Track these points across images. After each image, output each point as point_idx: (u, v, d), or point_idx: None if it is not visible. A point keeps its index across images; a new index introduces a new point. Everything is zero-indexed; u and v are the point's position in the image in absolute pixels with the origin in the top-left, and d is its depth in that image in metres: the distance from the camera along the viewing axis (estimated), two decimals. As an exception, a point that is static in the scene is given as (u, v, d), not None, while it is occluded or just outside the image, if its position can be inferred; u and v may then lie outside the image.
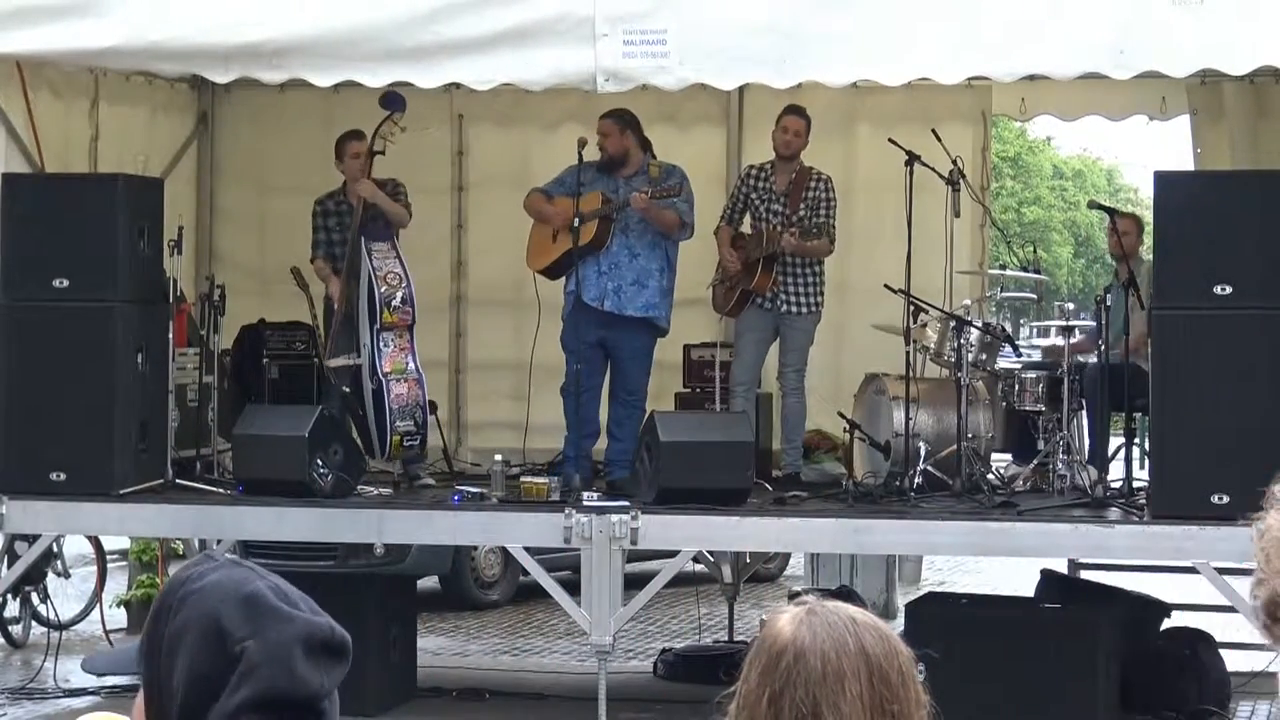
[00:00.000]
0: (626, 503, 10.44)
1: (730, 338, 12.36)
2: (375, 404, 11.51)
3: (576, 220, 11.22)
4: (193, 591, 2.46)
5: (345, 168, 11.79)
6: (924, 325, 11.34)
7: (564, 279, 11.58)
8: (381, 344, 11.51)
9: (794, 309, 11.71)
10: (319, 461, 10.72)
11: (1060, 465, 10.95)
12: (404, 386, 11.54)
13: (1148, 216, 11.66)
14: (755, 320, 11.82)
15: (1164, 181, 10.34)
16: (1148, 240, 11.79)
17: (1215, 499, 9.71)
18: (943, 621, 10.83)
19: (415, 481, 11.66)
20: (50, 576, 14.00)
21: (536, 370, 12.44)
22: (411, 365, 11.63)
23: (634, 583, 10.78)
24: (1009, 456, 12.00)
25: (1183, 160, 13.46)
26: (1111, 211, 12.38)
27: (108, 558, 14.53)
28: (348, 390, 11.64)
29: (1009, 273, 13.76)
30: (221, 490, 11.12)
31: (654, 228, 11.42)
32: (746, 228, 12.00)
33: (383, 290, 11.47)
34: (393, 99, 11.32)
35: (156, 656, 2.45)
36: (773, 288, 11.66)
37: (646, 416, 10.90)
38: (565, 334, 11.57)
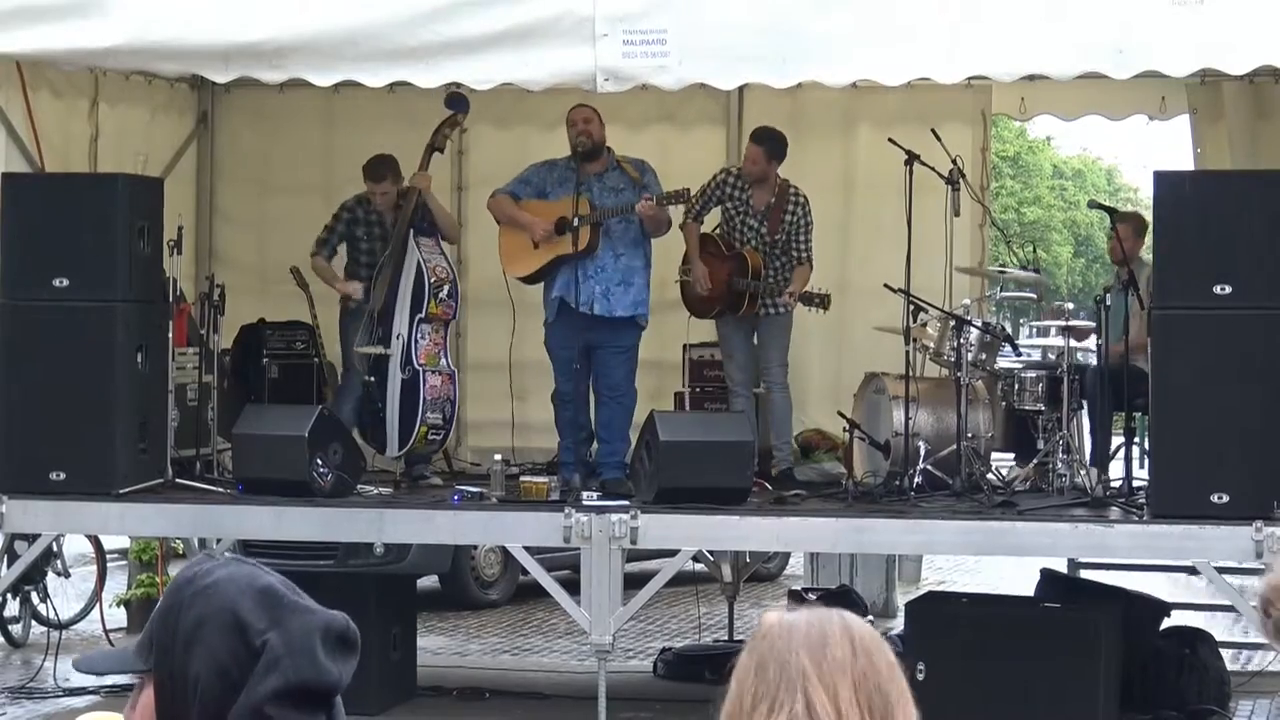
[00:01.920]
0: (626, 502, 10.44)
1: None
2: (405, 395, 11.52)
3: (575, 219, 11.22)
4: (205, 586, 2.48)
5: (376, 200, 11.90)
6: (924, 325, 11.34)
7: (544, 283, 11.57)
8: (419, 335, 11.56)
9: (768, 312, 11.73)
10: (319, 461, 10.72)
11: (1060, 465, 10.95)
12: (438, 379, 11.62)
13: (1148, 216, 11.64)
14: (735, 324, 11.85)
15: (1164, 181, 10.33)
16: (1149, 240, 11.77)
17: (1215, 499, 9.72)
18: (943, 621, 10.83)
19: (421, 480, 11.66)
20: (50, 576, 14.00)
21: (527, 370, 12.44)
22: (444, 361, 11.70)
23: (634, 582, 10.78)
24: (1012, 456, 11.99)
25: (1183, 160, 13.46)
26: (1111, 211, 12.36)
27: (107, 557, 14.53)
28: (371, 379, 11.66)
29: (1009, 272, 13.75)
30: (221, 490, 11.12)
31: (635, 226, 11.40)
32: (708, 227, 11.97)
33: (432, 281, 11.53)
34: (457, 100, 11.38)
35: (170, 651, 2.46)
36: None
37: (646, 416, 10.89)
38: (551, 340, 11.55)
